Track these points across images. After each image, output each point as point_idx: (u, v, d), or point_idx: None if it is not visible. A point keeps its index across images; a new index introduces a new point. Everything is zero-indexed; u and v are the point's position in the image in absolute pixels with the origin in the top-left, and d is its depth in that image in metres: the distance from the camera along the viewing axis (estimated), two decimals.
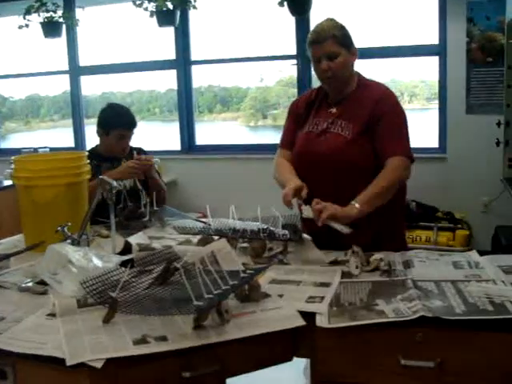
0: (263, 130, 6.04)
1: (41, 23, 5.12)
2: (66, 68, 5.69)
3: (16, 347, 1.33)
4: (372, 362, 1.43)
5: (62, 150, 5.42)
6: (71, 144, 5.81)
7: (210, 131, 5.95)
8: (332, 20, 2.11)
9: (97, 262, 1.70)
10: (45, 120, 6.65)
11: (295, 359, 1.54)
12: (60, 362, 1.26)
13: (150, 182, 2.81)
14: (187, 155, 5.35)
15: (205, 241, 2.00)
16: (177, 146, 5.41)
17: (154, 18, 4.80)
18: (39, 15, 5.09)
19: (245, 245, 2.02)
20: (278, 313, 1.49)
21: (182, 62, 5.29)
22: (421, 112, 5.33)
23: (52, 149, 5.42)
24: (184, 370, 1.35)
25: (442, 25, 4.45)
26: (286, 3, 4.30)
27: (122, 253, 2.02)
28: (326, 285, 1.67)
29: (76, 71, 5.67)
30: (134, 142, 2.98)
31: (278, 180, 2.20)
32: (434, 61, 4.62)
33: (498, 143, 3.88)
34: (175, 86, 5.41)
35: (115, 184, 2.00)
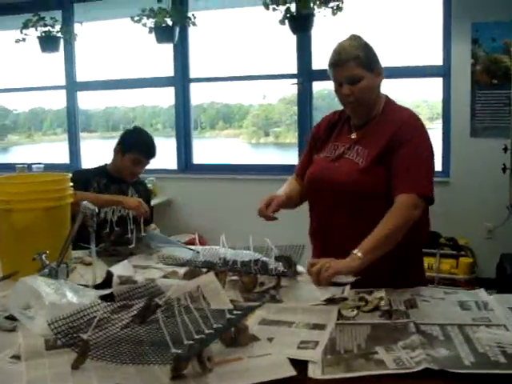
0: (265, 148, 5.97)
1: (38, 37, 5.04)
2: (63, 83, 5.59)
3: None
4: None
5: (57, 166, 5.35)
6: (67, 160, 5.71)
7: (211, 148, 5.89)
8: (355, 39, 1.90)
9: (71, 296, 1.56)
10: (47, 133, 6.59)
11: None
12: None
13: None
14: (184, 174, 5.23)
15: (192, 273, 1.86)
16: (173, 165, 5.29)
17: (153, 35, 4.72)
18: (37, 29, 5.01)
19: (235, 277, 1.87)
20: (267, 360, 1.34)
21: (181, 80, 5.19)
22: None
23: (47, 165, 5.34)
24: None
25: (446, 46, 4.37)
26: (287, 21, 4.21)
27: (103, 284, 1.90)
28: (320, 327, 1.52)
29: (73, 86, 5.57)
30: None
31: None
32: (437, 81, 4.54)
33: (504, 169, 3.74)
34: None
35: (96, 210, 1.87)
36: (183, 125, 5.27)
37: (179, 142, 5.29)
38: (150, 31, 4.71)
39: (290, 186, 2.14)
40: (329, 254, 1.81)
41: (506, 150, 3.76)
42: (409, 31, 4.42)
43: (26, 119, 6.73)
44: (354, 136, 2.00)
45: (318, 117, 4.71)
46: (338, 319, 1.58)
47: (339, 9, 4.11)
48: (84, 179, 2.81)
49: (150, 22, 4.67)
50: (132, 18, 4.69)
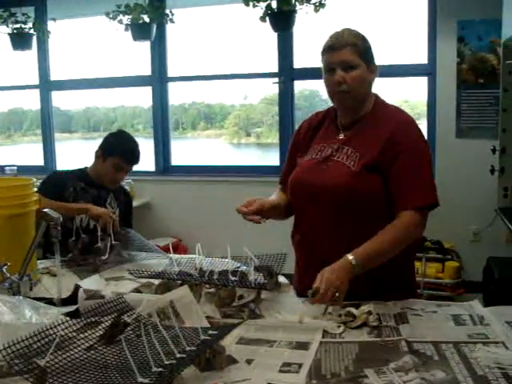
0: (246, 148, 5.86)
1: (9, 34, 4.84)
2: (37, 82, 5.40)
3: None
4: None
5: (31, 168, 5.17)
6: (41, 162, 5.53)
7: (192, 148, 5.77)
8: (354, 30, 1.82)
9: (30, 315, 1.41)
10: (27, 134, 6.40)
11: None
12: None
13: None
14: (162, 176, 5.07)
15: (166, 286, 1.72)
16: (151, 167, 5.13)
17: (130, 32, 4.56)
18: (8, 26, 4.82)
19: (212, 290, 1.74)
20: None
21: (158, 79, 5.03)
22: None
23: (22, 167, 5.15)
24: None
25: (431, 44, 4.26)
26: (267, 18, 4.08)
27: (70, 298, 1.75)
28: (304, 346, 1.40)
29: (47, 86, 5.38)
30: None
31: None
32: (418, 81, 4.44)
33: (492, 171, 3.64)
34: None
35: (61, 219, 1.72)
36: (161, 126, 5.11)
37: (157, 143, 5.13)
38: (127, 28, 4.54)
39: (275, 196, 2.00)
40: (314, 266, 1.67)
41: (494, 151, 3.65)
42: (393, 29, 4.30)
43: (5, 120, 6.54)
44: (341, 136, 1.86)
45: (299, 117, 4.61)
46: (322, 336, 1.46)
47: (322, 5, 3.99)
48: (60, 182, 2.68)
49: (126, 19, 4.51)
50: (107, 14, 4.52)
